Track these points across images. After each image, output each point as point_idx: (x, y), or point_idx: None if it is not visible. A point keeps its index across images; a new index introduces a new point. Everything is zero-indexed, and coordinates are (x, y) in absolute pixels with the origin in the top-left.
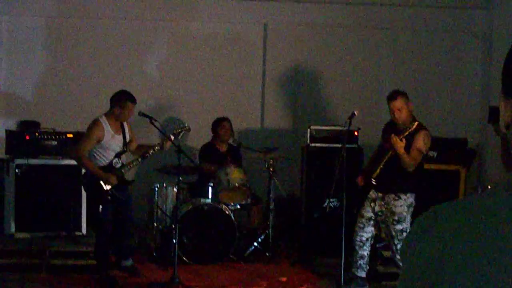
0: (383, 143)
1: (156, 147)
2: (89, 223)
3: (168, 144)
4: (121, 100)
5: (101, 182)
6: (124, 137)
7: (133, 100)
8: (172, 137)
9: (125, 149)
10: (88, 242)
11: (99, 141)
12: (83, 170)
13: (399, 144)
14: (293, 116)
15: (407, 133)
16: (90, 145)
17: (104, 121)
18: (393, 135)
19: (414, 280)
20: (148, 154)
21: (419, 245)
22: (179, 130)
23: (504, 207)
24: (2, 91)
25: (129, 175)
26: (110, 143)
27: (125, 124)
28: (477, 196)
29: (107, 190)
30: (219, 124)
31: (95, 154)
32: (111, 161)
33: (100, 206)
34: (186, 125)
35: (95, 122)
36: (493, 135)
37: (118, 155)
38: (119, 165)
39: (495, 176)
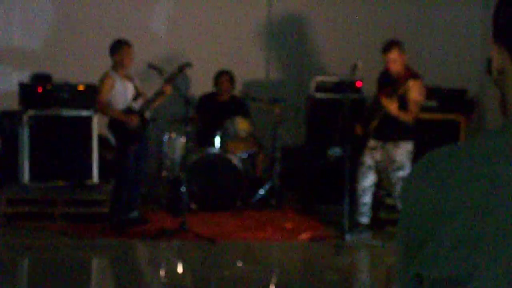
0: (379, 94)
1: (158, 94)
2: (109, 169)
3: (168, 89)
4: (116, 47)
5: (126, 124)
6: (134, 85)
7: (127, 42)
8: (178, 73)
9: (138, 93)
10: (100, 190)
11: (112, 89)
12: (107, 119)
13: (392, 107)
14: (298, 66)
15: (397, 93)
16: (107, 94)
17: (112, 72)
18: (383, 97)
19: (413, 222)
20: (155, 98)
21: (417, 188)
22: (181, 66)
23: (499, 149)
24: (15, 45)
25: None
26: (123, 90)
27: (131, 74)
28: (474, 139)
29: (132, 130)
30: (217, 78)
31: (112, 103)
32: (129, 105)
33: (130, 147)
34: (186, 61)
35: (105, 73)
36: (492, 86)
37: (134, 99)
38: (138, 107)
39: (495, 126)
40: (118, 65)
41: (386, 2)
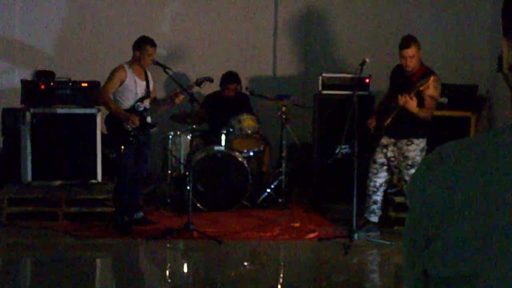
0: (392, 90)
1: (168, 100)
2: (112, 168)
3: (179, 99)
4: (140, 43)
5: (124, 123)
6: (148, 84)
7: (151, 43)
8: (195, 86)
9: (148, 94)
10: (104, 190)
11: (121, 84)
12: (107, 113)
13: (411, 104)
14: (305, 63)
15: (417, 89)
16: (114, 87)
17: (127, 66)
18: (400, 96)
19: (420, 218)
20: (163, 104)
21: (425, 184)
22: (202, 80)
23: (508, 144)
24: (17, 42)
25: (150, 119)
26: (133, 87)
27: (149, 74)
28: (482, 135)
29: (129, 130)
30: (225, 85)
31: (118, 98)
32: (133, 104)
33: (123, 147)
34: (209, 76)
35: (119, 66)
36: (502, 82)
37: (141, 100)
38: (141, 108)
39: (505, 122)
40: (135, 61)
41: None
